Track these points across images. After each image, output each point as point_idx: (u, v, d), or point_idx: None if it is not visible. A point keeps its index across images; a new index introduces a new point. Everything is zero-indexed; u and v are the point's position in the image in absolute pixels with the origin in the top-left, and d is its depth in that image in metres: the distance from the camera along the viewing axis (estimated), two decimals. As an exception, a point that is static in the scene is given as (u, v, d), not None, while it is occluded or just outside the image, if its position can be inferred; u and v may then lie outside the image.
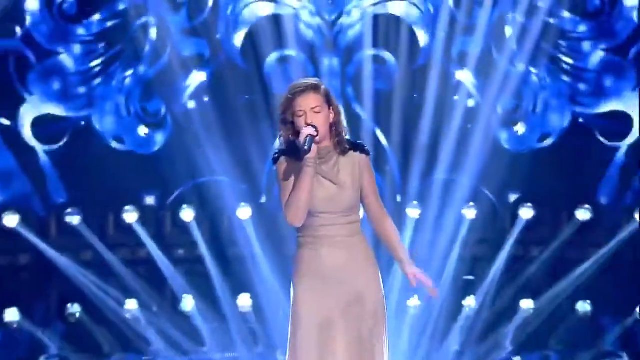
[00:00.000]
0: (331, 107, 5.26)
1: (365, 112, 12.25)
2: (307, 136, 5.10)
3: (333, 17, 12.38)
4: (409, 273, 5.24)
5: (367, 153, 5.47)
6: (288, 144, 5.33)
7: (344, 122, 5.74)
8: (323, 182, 5.27)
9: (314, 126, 5.15)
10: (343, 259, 5.32)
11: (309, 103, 5.50)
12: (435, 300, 10.69)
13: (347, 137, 5.40)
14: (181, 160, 12.11)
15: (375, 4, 12.54)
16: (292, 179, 5.26)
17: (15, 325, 11.53)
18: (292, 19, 12.33)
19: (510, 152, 12.43)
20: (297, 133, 5.38)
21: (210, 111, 12.20)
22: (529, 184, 12.34)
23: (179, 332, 11.22)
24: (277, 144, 6.68)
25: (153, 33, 12.49)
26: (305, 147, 4.94)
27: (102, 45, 12.39)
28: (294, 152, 5.19)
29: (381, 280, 5.24)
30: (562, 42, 12.56)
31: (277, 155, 5.26)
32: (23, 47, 12.24)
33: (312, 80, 5.86)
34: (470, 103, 12.45)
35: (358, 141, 5.66)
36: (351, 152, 5.43)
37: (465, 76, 12.48)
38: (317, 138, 5.14)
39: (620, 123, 12.30)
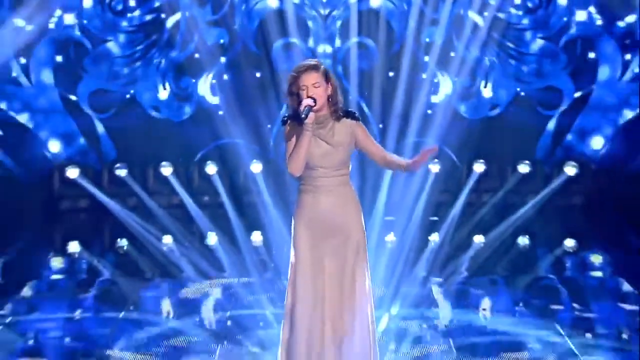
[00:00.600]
0: (329, 83, 5.84)
1: (351, 87, 12.42)
2: (305, 106, 5.60)
3: (327, 12, 12.50)
4: (414, 161, 5.83)
5: (357, 119, 6.08)
6: (293, 111, 5.82)
7: (340, 95, 6.10)
8: (320, 142, 5.85)
9: (313, 98, 5.69)
10: (334, 203, 6.04)
11: (310, 79, 5.82)
12: (406, 235, 11.33)
13: (343, 107, 6.01)
14: (205, 126, 12.46)
15: (359, 0, 12.53)
16: (295, 138, 5.91)
17: (76, 255, 11.75)
18: (294, 12, 12.42)
19: (467, 119, 12.75)
20: (301, 103, 5.80)
21: (229, 87, 12.44)
22: (481, 144, 12.57)
23: (205, 261, 11.10)
24: (285, 111, 7.30)
25: (183, 24, 12.65)
26: (303, 115, 5.54)
27: (141, 34, 12.67)
28: (298, 118, 5.74)
29: (364, 222, 5.96)
30: (509, 32, 12.74)
31: (285, 119, 5.95)
32: (81, 37, 12.43)
33: (313, 61, 6.32)
34: (435, 80, 12.55)
35: (352, 110, 6.21)
36: (344, 119, 5.97)
37: (431, 59, 12.57)
38: (316, 107, 5.67)
39: (553, 96, 12.61)
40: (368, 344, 6.14)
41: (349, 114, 6.05)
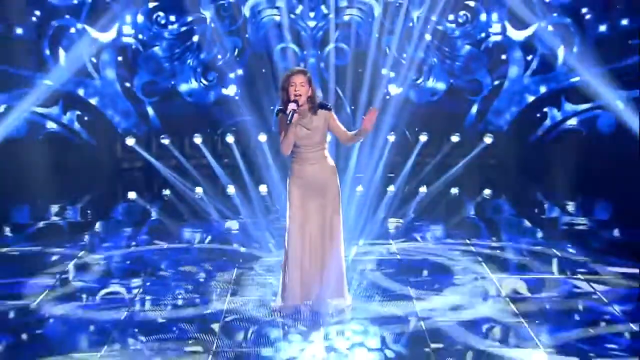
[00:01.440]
0: (311, 87, 6.64)
1: (331, 79, 12.72)
2: (290, 111, 6.34)
3: (313, 24, 12.78)
4: (364, 125, 6.54)
5: (329, 109, 6.74)
6: (284, 104, 6.61)
7: (318, 95, 6.93)
8: (302, 128, 6.66)
9: (296, 101, 6.38)
10: (315, 170, 6.87)
11: (298, 79, 6.57)
12: (371, 187, 11.69)
13: (319, 101, 6.78)
14: (226, 107, 12.74)
15: (336, 16, 12.75)
16: (284, 125, 6.68)
17: (133, 201, 12.14)
18: (290, 25, 12.71)
19: (415, 103, 13.04)
20: (289, 99, 6.54)
21: (242, 80, 12.81)
22: (424, 121, 12.90)
23: (225, 207, 11.51)
24: (278, 104, 6.94)
25: (208, 34, 12.82)
26: (289, 118, 6.35)
27: (178, 41, 12.84)
28: (285, 109, 6.56)
29: (339, 182, 7.02)
30: (445, 40, 12.95)
31: (277, 111, 6.74)
32: (135, 43, 12.69)
33: (302, 68, 7.48)
34: (392, 74, 12.78)
35: (325, 102, 6.98)
36: (320, 110, 6.67)
37: (389, 58, 12.79)
38: (300, 103, 6.44)
39: (476, 86, 13.01)
40: (341, 270, 7.03)
41: (323, 106, 6.79)
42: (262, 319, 7.06)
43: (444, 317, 7.03)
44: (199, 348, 6.40)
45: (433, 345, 6.21)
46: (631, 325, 6.96)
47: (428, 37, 12.75)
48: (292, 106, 6.44)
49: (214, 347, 6.37)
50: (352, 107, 12.81)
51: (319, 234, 7.00)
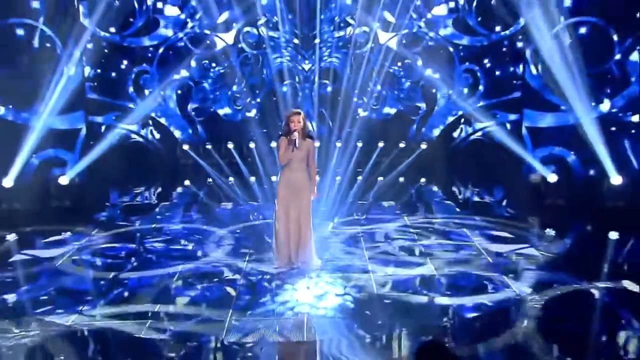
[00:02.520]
0: (305, 123, 7.39)
1: (316, 103, 12.38)
2: (294, 139, 7.14)
3: (308, 67, 12.43)
4: (314, 192, 7.62)
5: (312, 138, 7.56)
6: (284, 132, 7.36)
7: (309, 128, 7.75)
8: (295, 149, 7.24)
9: (295, 131, 7.16)
10: (298, 176, 7.49)
11: (296, 118, 7.31)
12: (344, 178, 11.87)
13: (308, 131, 7.45)
14: (249, 124, 12.31)
15: (321, 62, 12.39)
16: (283, 145, 7.31)
17: (187, 187, 12.07)
18: (292, 68, 12.35)
19: (375, 120, 12.56)
20: (289, 129, 7.26)
21: (260, 106, 12.43)
22: (381, 133, 12.49)
23: (247, 192, 11.79)
24: (280, 130, 7.59)
25: (238, 75, 12.46)
26: (291, 145, 7.07)
27: (218, 80, 12.47)
28: (286, 135, 7.20)
29: (311, 189, 7.58)
30: (394, 79, 12.67)
31: (280, 135, 7.41)
32: (189, 80, 12.41)
33: (299, 110, 7.87)
34: (359, 101, 12.35)
35: (310, 133, 7.82)
36: (307, 139, 7.40)
37: (358, 90, 12.29)
38: (296, 135, 7.14)
39: (415, 110, 12.43)
40: (310, 245, 7.67)
41: (309, 136, 7.52)
42: (269, 272, 7.64)
43: (384, 272, 7.64)
44: (230, 290, 7.12)
45: (378, 292, 6.86)
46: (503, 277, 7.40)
47: (383, 76, 12.41)
48: (294, 135, 7.16)
49: (236, 291, 7.03)
50: (331, 123, 12.55)
51: (295, 217, 7.49)
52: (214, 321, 6.27)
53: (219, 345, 5.72)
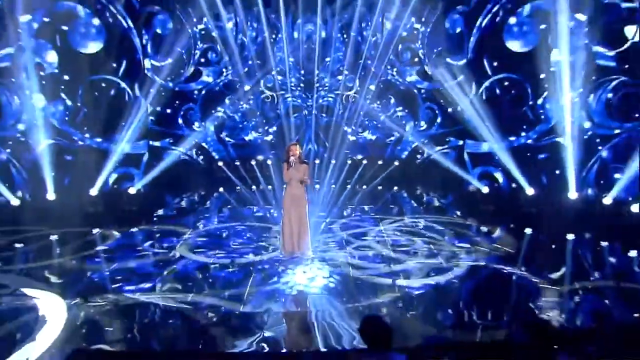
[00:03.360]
0: (301, 151, 7.34)
1: (315, 130, 12.22)
2: (292, 161, 7.08)
3: (309, 104, 12.31)
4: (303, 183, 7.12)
5: (307, 163, 7.51)
6: (285, 159, 7.27)
7: (304, 155, 7.70)
8: (293, 171, 7.18)
9: (293, 157, 7.07)
10: (296, 194, 7.37)
11: (294, 149, 7.26)
12: (337, 186, 11.36)
13: (303, 158, 7.29)
14: (267, 146, 12.23)
15: (318, 100, 12.31)
16: (285, 169, 7.25)
17: (221, 193, 11.94)
18: (298, 105, 12.28)
19: (360, 144, 12.45)
20: (288, 157, 7.16)
21: (275, 133, 12.36)
22: (365, 153, 12.47)
23: (265, 198, 10.96)
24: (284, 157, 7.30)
25: (259, 113, 12.37)
26: (290, 164, 6.98)
27: (244, 115, 12.33)
28: (287, 161, 7.12)
29: (307, 199, 7.39)
30: (373, 112, 12.37)
31: (282, 161, 7.34)
32: (224, 118, 12.24)
33: (296, 141, 8.11)
34: (349, 130, 12.27)
35: (306, 160, 7.74)
36: (302, 163, 7.31)
37: (346, 121, 12.26)
38: (294, 160, 7.10)
39: (390, 137, 12.47)
40: (307, 240, 7.48)
41: (304, 161, 7.46)
42: (278, 259, 7.50)
43: (360, 261, 7.35)
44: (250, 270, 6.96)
45: (354, 275, 6.71)
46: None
47: (365, 110, 12.26)
48: (292, 160, 7.16)
49: (251, 276, 6.77)
50: (327, 145, 12.29)
51: (296, 220, 7.38)
52: (235, 296, 6.16)
53: (237, 313, 5.66)
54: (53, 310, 5.83)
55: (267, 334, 5.22)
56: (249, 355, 4.78)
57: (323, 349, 4.76)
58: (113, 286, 6.60)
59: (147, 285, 6.67)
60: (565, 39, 9.82)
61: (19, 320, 5.62)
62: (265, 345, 4.93)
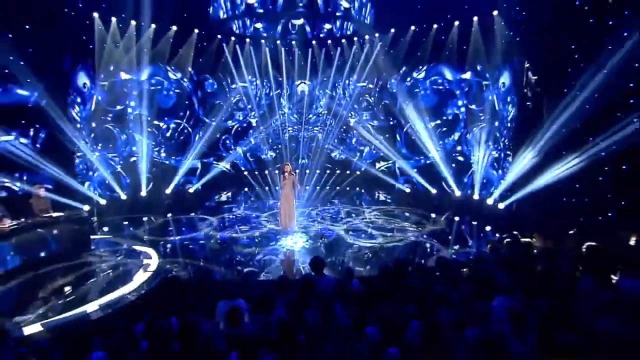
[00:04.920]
0: (290, 168, 7.57)
1: (306, 151, 12.26)
2: (285, 174, 7.35)
3: (302, 134, 12.25)
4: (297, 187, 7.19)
5: (294, 175, 7.54)
6: (281, 172, 7.52)
7: (293, 169, 7.71)
8: (285, 180, 7.48)
9: (285, 172, 7.38)
10: (287, 193, 7.59)
11: (286, 167, 7.60)
12: (326, 188, 11.22)
13: (292, 171, 7.64)
14: (274, 162, 12.24)
15: (307, 132, 12.10)
16: (282, 179, 7.44)
17: (245, 192, 11.54)
18: (295, 134, 12.24)
19: (333, 159, 12.28)
20: (283, 171, 7.49)
21: (280, 155, 12.29)
22: (338, 165, 12.26)
23: (272, 196, 10.70)
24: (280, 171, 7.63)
25: (271, 139, 12.35)
26: (284, 177, 7.22)
27: (260, 143, 12.19)
28: (283, 174, 7.38)
29: (294, 195, 7.53)
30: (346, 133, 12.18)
31: (280, 174, 7.44)
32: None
33: (288, 162, 7.81)
34: (325, 147, 12.17)
35: (293, 172, 7.69)
36: (291, 175, 7.53)
37: (325, 146, 11.97)
38: (286, 174, 7.37)
39: (357, 154, 12.15)
40: (294, 221, 7.78)
41: (292, 174, 7.55)
42: (276, 230, 7.85)
43: (331, 232, 7.73)
44: (256, 238, 7.36)
45: (324, 241, 6.97)
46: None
47: (338, 138, 12.17)
48: (285, 174, 7.58)
49: (259, 239, 7.27)
50: (314, 160, 12.02)
51: (287, 207, 7.59)
52: (246, 254, 6.67)
53: (251, 263, 6.10)
54: (152, 256, 6.67)
55: (267, 270, 5.89)
56: (262, 282, 5.27)
57: (297, 277, 5.34)
58: (183, 243, 7.29)
59: (203, 241, 7.42)
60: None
61: (133, 260, 6.34)
62: (269, 275, 5.67)
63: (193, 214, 9.56)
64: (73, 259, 6.43)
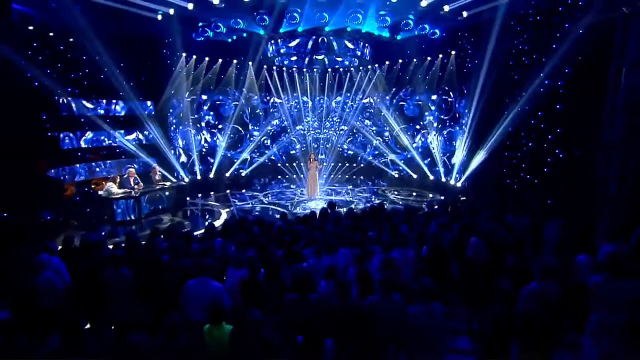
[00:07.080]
0: (315, 157, 9.11)
1: (323, 147, 12.96)
2: (311, 159, 8.58)
3: (322, 136, 12.92)
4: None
5: (317, 161, 9.09)
6: (308, 159, 8.62)
7: (317, 158, 9.42)
8: (311, 164, 8.76)
9: (311, 158, 8.84)
10: (312, 172, 8.53)
11: (312, 155, 9.14)
12: (332, 175, 12.16)
13: (316, 158, 9.01)
14: (301, 155, 12.83)
15: (324, 134, 12.86)
16: (308, 163, 8.59)
17: (279, 178, 12.50)
18: (316, 136, 12.94)
19: (343, 154, 13.05)
20: (310, 158, 8.97)
21: (304, 151, 13.00)
22: (347, 159, 13.11)
23: (299, 179, 11.52)
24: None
25: (287, 138, 13.27)
26: (310, 161, 8.42)
27: (289, 142, 12.98)
28: (310, 159, 8.46)
29: (317, 174, 8.74)
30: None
31: (307, 160, 8.47)
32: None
33: (313, 153, 9.75)
34: (338, 146, 12.96)
35: (317, 159, 9.09)
36: (315, 161, 8.87)
37: (337, 146, 12.81)
38: (312, 159, 8.81)
39: (361, 151, 13.01)
40: (317, 190, 8.92)
41: (316, 160, 8.76)
42: (303, 197, 9.09)
43: (341, 199, 8.80)
44: (291, 199, 8.37)
45: (338, 205, 7.07)
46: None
47: (348, 139, 12.86)
48: (311, 159, 8.65)
49: (293, 201, 8.44)
50: (330, 155, 12.76)
51: (312, 182, 8.53)
52: (286, 207, 7.68)
53: (288, 213, 6.42)
54: (222, 210, 8.44)
55: (298, 214, 7.15)
56: (298, 219, 5.73)
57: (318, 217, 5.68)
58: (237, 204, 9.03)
59: (253, 205, 8.96)
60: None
61: (211, 213, 8.05)
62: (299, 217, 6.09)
63: (244, 191, 11.18)
64: (177, 210, 8.85)
